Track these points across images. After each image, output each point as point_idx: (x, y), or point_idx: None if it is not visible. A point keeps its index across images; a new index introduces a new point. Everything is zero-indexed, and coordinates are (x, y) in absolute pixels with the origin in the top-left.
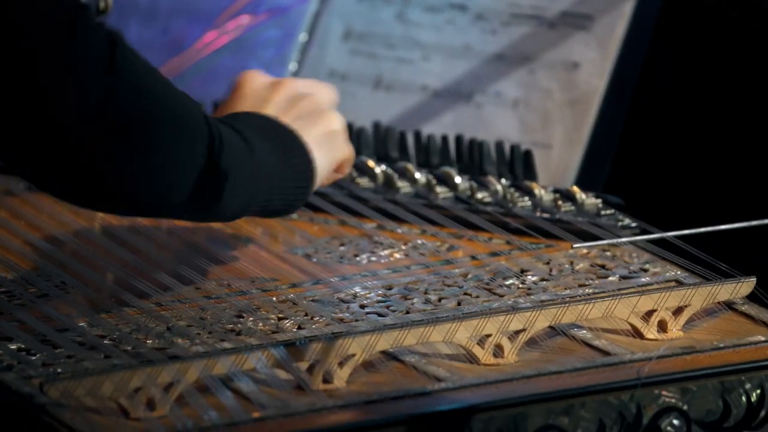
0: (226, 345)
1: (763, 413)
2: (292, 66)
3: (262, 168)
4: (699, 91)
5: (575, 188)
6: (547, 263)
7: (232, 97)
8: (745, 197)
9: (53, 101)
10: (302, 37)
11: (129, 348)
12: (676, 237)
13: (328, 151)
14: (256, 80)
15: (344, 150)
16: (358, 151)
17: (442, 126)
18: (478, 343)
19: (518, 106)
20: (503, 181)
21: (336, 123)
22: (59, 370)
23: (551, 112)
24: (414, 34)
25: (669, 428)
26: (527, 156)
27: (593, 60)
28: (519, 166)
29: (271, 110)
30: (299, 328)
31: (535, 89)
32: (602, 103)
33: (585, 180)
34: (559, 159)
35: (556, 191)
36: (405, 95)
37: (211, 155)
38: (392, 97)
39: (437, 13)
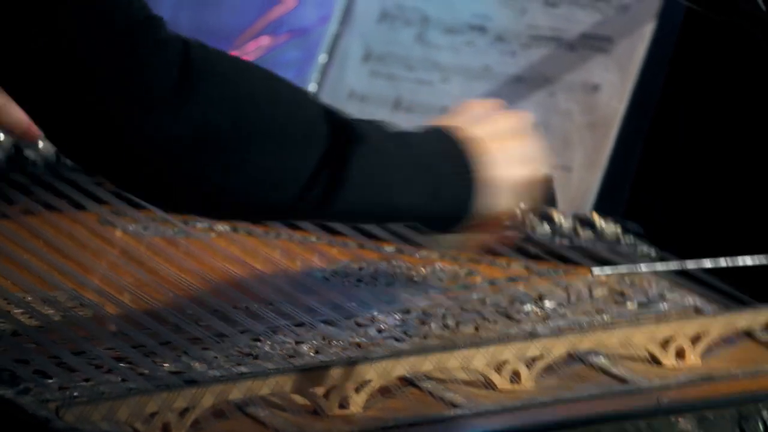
0: (243, 369)
1: None
2: (312, 87)
3: (386, 166)
4: (719, 115)
5: (594, 215)
6: (565, 289)
7: (449, 116)
8: (760, 229)
9: (127, 129)
10: (322, 58)
11: (146, 371)
12: (697, 268)
13: (513, 197)
14: (477, 106)
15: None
16: None
17: None
18: (495, 370)
19: (538, 128)
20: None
21: (528, 149)
22: (75, 394)
23: (571, 135)
24: (433, 56)
25: None
26: (547, 183)
27: (613, 82)
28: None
29: (482, 131)
30: (316, 352)
31: (555, 111)
32: (622, 125)
33: (604, 203)
34: (579, 182)
35: (575, 217)
36: (425, 117)
37: (328, 159)
38: (412, 119)
39: (457, 34)
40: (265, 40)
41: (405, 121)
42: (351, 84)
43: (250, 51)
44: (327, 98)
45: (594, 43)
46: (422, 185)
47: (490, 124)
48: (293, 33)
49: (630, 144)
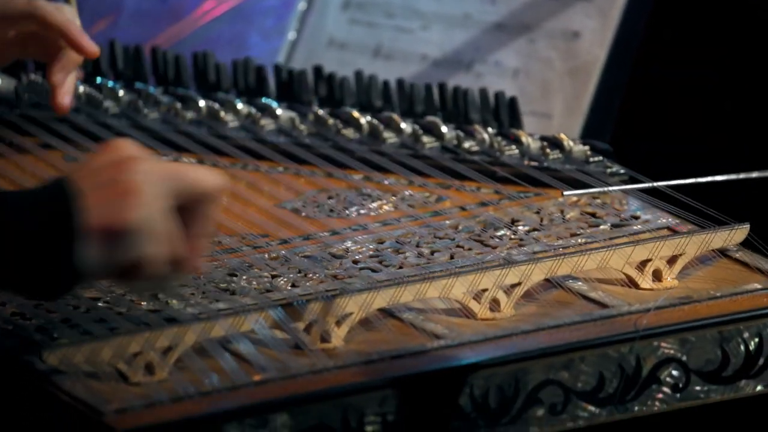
0: (221, 305)
1: (761, 361)
2: (291, 35)
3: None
4: (700, 61)
5: (562, 135)
6: (537, 212)
7: (89, 160)
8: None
9: None
10: (301, 5)
11: (123, 311)
12: (667, 186)
13: (107, 246)
14: (113, 153)
15: (133, 252)
16: (341, 102)
17: None
18: (474, 298)
19: (518, 75)
20: (489, 129)
21: (132, 220)
22: (55, 335)
23: (551, 82)
24: (413, 3)
25: (668, 379)
26: (512, 103)
27: (594, 29)
28: (504, 113)
29: (85, 185)
30: (293, 285)
31: (535, 59)
32: (603, 72)
33: None
34: (559, 128)
35: (543, 139)
36: (404, 64)
37: None
38: (391, 66)
39: None
40: None
41: (385, 68)
42: (330, 31)
43: None
44: (306, 46)
45: None
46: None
47: (94, 178)
48: None
49: (611, 91)
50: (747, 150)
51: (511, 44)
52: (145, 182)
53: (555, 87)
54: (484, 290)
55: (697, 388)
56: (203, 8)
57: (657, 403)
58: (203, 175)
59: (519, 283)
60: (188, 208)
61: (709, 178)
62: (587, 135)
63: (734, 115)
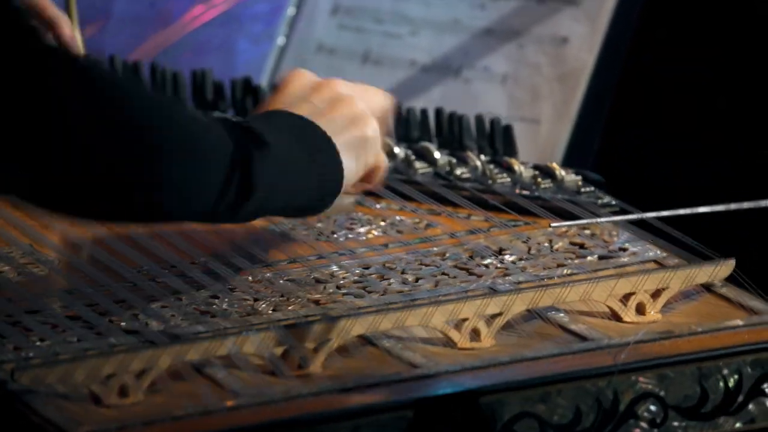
0: (200, 328)
1: (740, 399)
2: (281, 40)
3: (284, 167)
4: (688, 67)
5: (555, 165)
6: (526, 242)
7: (273, 95)
8: (729, 179)
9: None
10: (291, 11)
11: (102, 331)
12: (656, 218)
13: (357, 156)
14: (301, 79)
15: (374, 158)
16: None
17: (431, 101)
18: (454, 327)
19: (507, 81)
20: (482, 156)
21: (370, 130)
22: (31, 355)
23: (540, 88)
24: (402, 9)
25: (646, 414)
26: (507, 130)
27: (582, 35)
28: (499, 140)
29: (306, 110)
30: (274, 310)
31: (524, 64)
32: (591, 78)
33: (573, 155)
34: (548, 134)
35: (536, 167)
36: (393, 70)
37: (236, 166)
38: (381, 72)
39: None
40: None
41: (374, 74)
42: (320, 37)
43: (218, 3)
44: (295, 51)
45: None
46: (310, 175)
47: (309, 103)
48: None
49: (599, 97)
50: (741, 148)
51: (500, 49)
52: (356, 98)
53: (544, 92)
54: (465, 320)
55: (675, 423)
56: (192, 13)
57: None
58: (378, 95)
59: (500, 314)
60: None
61: (700, 209)
62: (575, 141)
63: (728, 113)
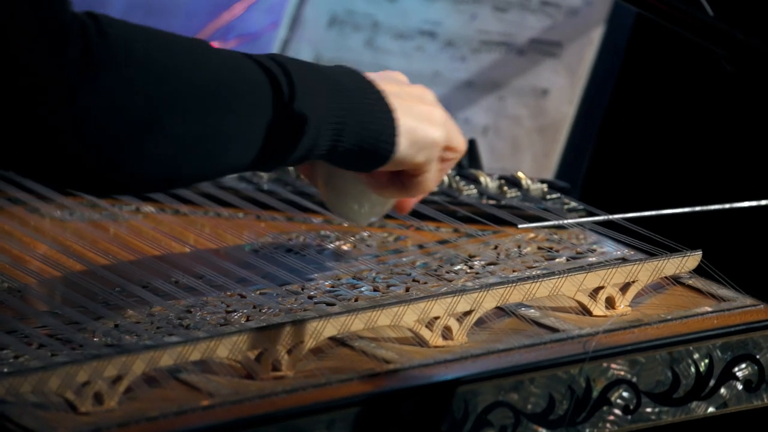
0: (175, 339)
1: (712, 383)
2: None
3: (335, 101)
4: (668, 119)
5: (521, 174)
6: (495, 248)
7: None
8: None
9: (35, 113)
10: (282, 33)
11: (77, 346)
12: (624, 219)
13: (414, 145)
14: (399, 75)
15: (426, 162)
16: None
17: None
18: (426, 326)
19: (488, 132)
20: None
21: (437, 134)
22: (5, 370)
23: (520, 139)
24: (383, 61)
25: (619, 401)
26: (472, 144)
27: (562, 87)
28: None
29: (389, 88)
30: (248, 319)
31: (505, 116)
32: (571, 130)
33: None
34: None
35: (501, 177)
36: None
37: (278, 117)
38: None
39: (406, 40)
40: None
41: None
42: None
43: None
44: None
45: (543, 47)
46: (355, 123)
47: (400, 86)
48: (242, 38)
49: (579, 149)
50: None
51: (481, 101)
52: (443, 113)
53: (524, 144)
54: (436, 318)
55: (648, 409)
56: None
57: (608, 425)
58: (460, 137)
59: (471, 311)
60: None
61: (667, 211)
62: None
63: (711, 164)
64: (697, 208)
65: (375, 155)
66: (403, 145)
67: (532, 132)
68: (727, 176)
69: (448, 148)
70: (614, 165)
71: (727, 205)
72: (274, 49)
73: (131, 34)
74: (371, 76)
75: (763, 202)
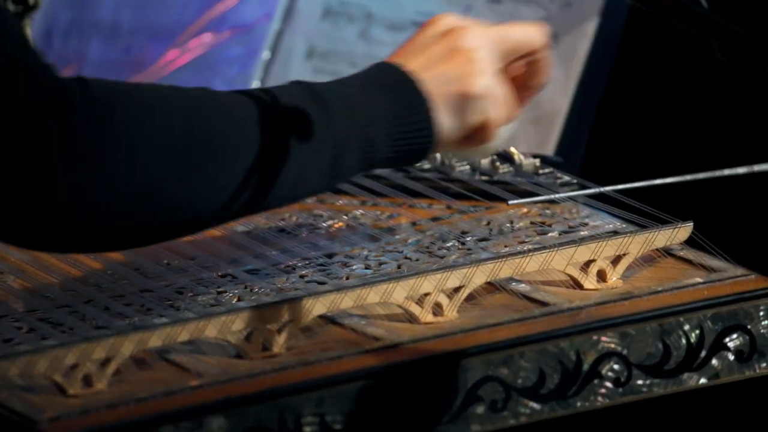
0: (165, 320)
1: (703, 354)
2: (255, 84)
3: (363, 122)
4: (663, 111)
5: (513, 150)
6: (488, 224)
7: (408, 41)
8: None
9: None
10: (265, 55)
11: (68, 329)
12: (616, 191)
13: (456, 115)
14: (436, 26)
15: (480, 116)
16: None
17: None
18: (416, 302)
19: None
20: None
21: (478, 87)
22: None
23: (514, 131)
24: (377, 52)
25: (610, 373)
26: None
27: (557, 79)
28: None
29: (418, 63)
30: (239, 300)
31: None
32: (566, 122)
33: None
34: None
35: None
36: None
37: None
38: None
39: (400, 31)
40: (207, 37)
41: None
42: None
43: (193, 48)
44: None
45: None
46: (398, 132)
47: (425, 54)
48: (236, 30)
49: (574, 140)
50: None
51: None
52: (480, 49)
53: (519, 136)
54: (427, 294)
55: (639, 382)
56: (167, 58)
57: (600, 398)
58: (527, 33)
59: (461, 287)
60: (516, 64)
61: (657, 181)
62: None
63: (707, 154)
64: (688, 177)
65: (416, 153)
66: (447, 123)
67: (527, 124)
68: (722, 168)
69: (517, 59)
70: (609, 157)
71: (717, 173)
72: (267, 40)
73: (124, 98)
74: (399, 54)
75: (756, 168)
